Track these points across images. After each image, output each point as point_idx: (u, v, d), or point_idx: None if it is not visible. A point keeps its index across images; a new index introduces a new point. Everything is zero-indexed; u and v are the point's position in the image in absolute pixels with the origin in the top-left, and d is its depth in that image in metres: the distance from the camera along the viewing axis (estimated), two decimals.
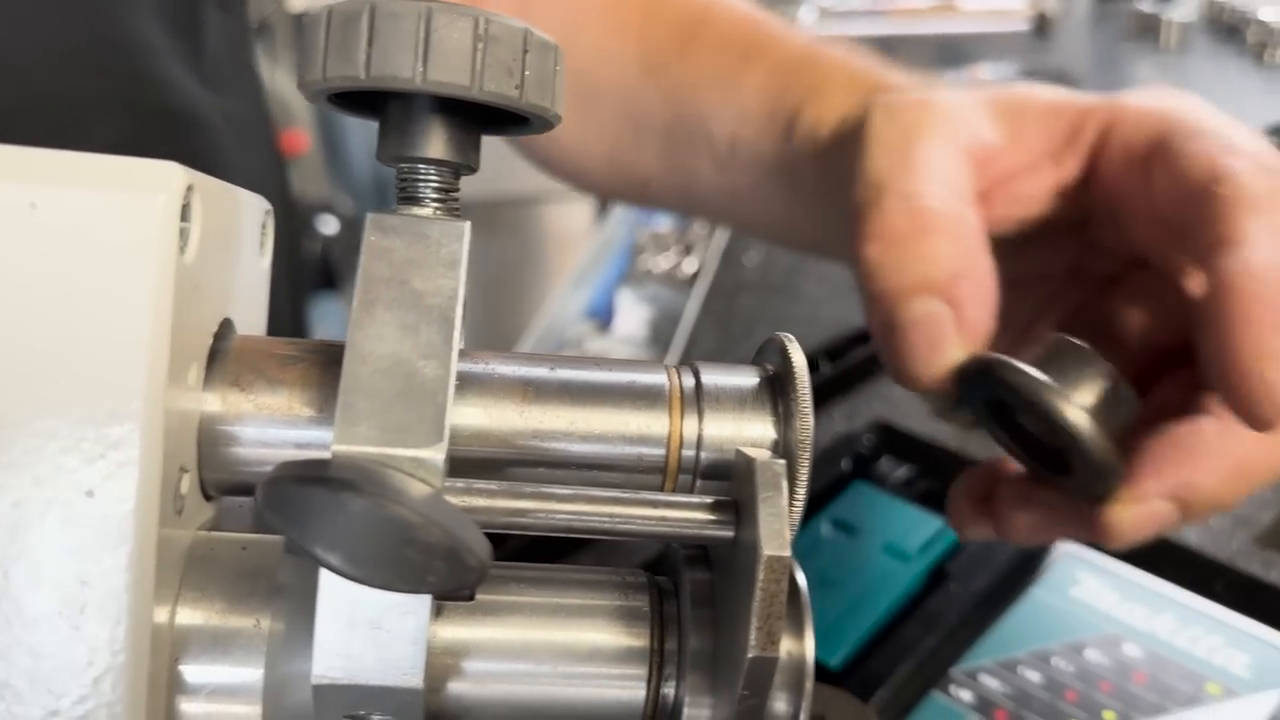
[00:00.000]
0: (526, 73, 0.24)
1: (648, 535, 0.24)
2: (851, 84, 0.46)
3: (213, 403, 0.24)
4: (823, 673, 0.45)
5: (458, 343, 0.23)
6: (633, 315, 1.00)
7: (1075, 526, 0.34)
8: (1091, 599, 0.48)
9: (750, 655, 0.22)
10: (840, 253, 0.50)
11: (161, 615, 0.23)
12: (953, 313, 0.33)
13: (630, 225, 1.20)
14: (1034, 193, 0.39)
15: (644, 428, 0.25)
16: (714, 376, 0.26)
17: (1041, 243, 0.40)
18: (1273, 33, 1.41)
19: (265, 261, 0.29)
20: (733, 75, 0.50)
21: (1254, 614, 0.46)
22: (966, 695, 0.44)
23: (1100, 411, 0.30)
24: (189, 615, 0.23)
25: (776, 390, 0.26)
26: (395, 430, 0.22)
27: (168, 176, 0.21)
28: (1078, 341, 0.32)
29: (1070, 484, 0.33)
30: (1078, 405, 0.30)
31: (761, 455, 0.24)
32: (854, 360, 0.67)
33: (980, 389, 0.33)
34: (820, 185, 0.46)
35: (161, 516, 0.22)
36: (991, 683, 0.44)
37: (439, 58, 0.23)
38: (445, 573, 0.20)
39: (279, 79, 1.78)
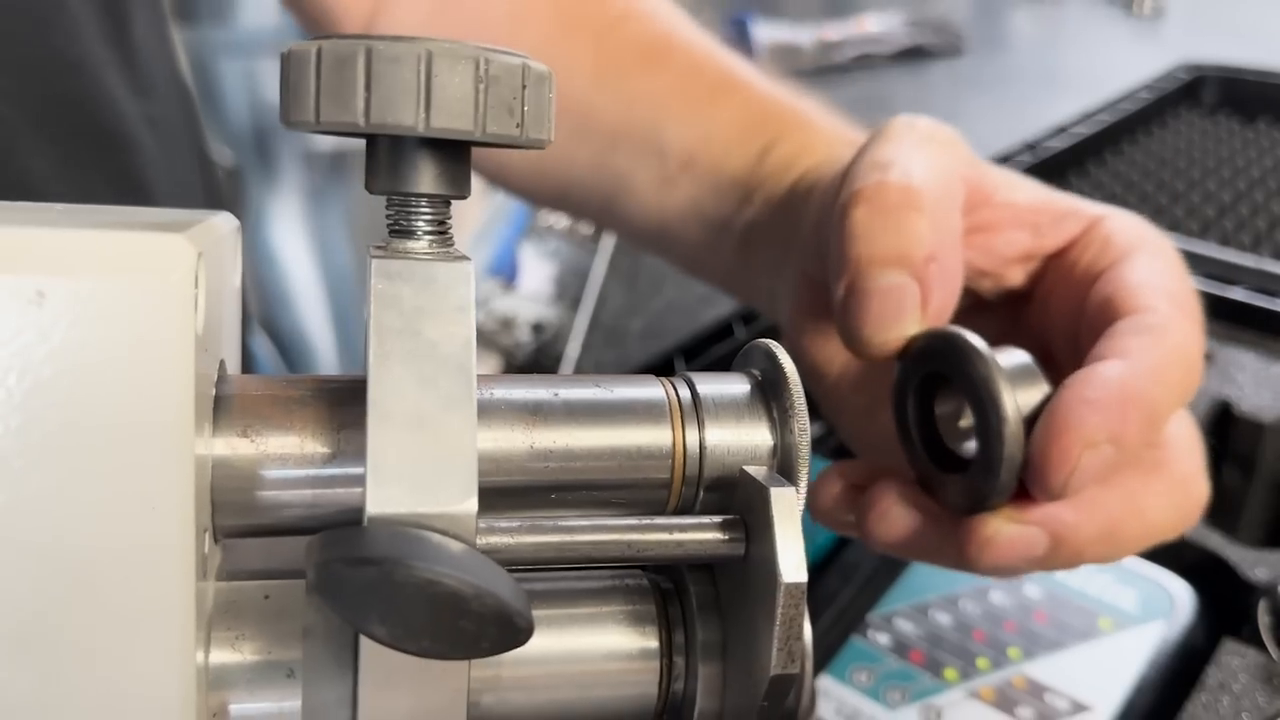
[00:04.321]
0: (525, 108, 0.23)
1: (664, 559, 0.25)
2: (836, 135, 0.47)
3: (222, 450, 0.24)
4: None
5: (475, 392, 0.23)
6: (538, 272, 0.99)
7: (942, 540, 0.34)
8: None
9: (772, 674, 0.23)
10: (750, 292, 0.51)
11: (198, 658, 0.23)
12: (919, 290, 0.34)
13: None
14: (1004, 252, 0.40)
15: (648, 443, 0.26)
16: (708, 386, 0.27)
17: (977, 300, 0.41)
18: None
19: (236, 279, 0.28)
20: (703, 100, 0.50)
21: (1141, 553, 0.49)
22: (884, 638, 0.47)
23: (1030, 419, 0.32)
24: (222, 657, 0.24)
25: (769, 396, 0.27)
26: (426, 489, 0.22)
27: (180, 252, 0.20)
28: (1030, 356, 0.33)
29: (955, 486, 0.34)
30: (1016, 399, 0.31)
31: (760, 472, 0.25)
32: (767, 324, 0.67)
33: (923, 361, 0.34)
34: (775, 220, 0.46)
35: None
36: (906, 626, 0.47)
37: (442, 104, 0.22)
38: (497, 637, 0.21)
39: None
